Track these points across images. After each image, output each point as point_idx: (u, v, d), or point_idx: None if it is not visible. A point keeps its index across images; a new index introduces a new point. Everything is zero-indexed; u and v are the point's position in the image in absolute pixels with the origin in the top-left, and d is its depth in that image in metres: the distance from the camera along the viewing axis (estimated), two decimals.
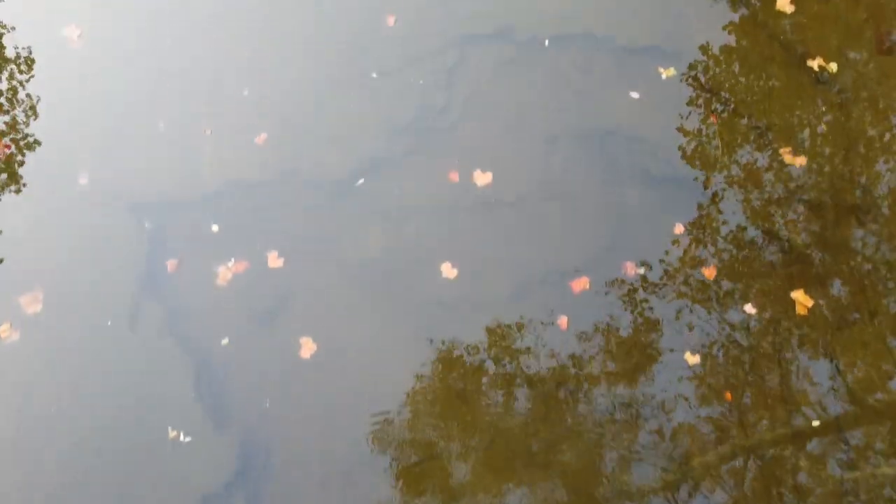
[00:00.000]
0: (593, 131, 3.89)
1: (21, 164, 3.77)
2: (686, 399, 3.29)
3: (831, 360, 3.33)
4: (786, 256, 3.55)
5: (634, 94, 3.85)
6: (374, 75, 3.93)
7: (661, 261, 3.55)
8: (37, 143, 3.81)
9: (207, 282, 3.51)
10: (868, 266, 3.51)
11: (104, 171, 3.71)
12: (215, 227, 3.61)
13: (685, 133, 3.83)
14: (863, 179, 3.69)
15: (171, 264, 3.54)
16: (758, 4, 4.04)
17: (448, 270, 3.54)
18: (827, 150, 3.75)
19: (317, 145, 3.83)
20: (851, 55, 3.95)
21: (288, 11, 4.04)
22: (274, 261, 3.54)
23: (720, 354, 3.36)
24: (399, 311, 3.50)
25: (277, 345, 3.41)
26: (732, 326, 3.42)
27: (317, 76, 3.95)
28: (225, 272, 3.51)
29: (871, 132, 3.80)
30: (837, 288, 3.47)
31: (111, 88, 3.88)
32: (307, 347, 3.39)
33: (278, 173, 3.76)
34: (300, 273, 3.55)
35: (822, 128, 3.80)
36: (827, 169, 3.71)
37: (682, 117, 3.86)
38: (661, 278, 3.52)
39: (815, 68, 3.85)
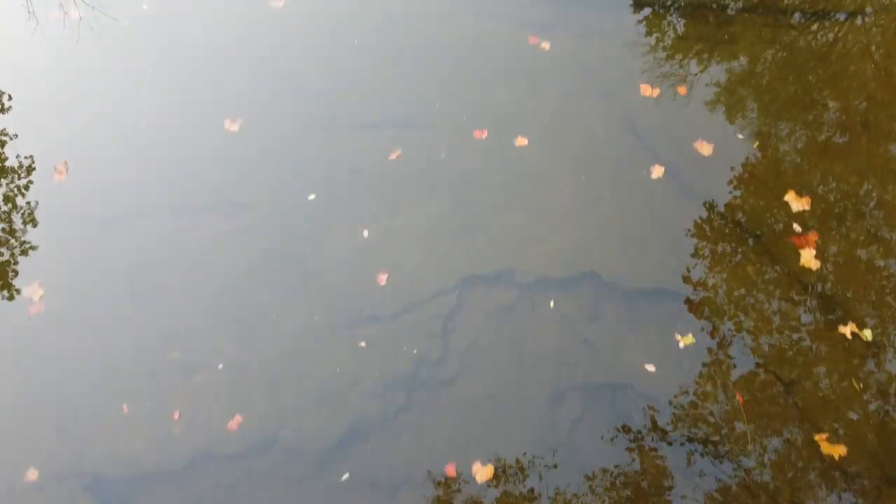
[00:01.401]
0: (603, 386, 3.52)
1: None
2: None
3: None
4: None
5: (650, 368, 3.49)
6: (363, 344, 3.58)
7: None
8: None
9: None
10: None
11: (56, 466, 3.30)
12: None
13: (705, 400, 3.45)
14: None
15: None
16: (780, 258, 3.72)
17: None
18: (869, 433, 3.35)
19: (298, 414, 3.45)
20: (887, 314, 3.60)
21: (268, 275, 3.73)
22: None
23: None
24: None
25: None
26: None
27: (300, 343, 3.59)
28: None
29: None
30: None
31: (67, 367, 3.51)
32: None
33: (253, 451, 3.37)
34: None
35: (861, 398, 3.41)
36: (870, 450, 3.30)
37: (701, 386, 3.49)
38: None
39: (849, 335, 3.50)
